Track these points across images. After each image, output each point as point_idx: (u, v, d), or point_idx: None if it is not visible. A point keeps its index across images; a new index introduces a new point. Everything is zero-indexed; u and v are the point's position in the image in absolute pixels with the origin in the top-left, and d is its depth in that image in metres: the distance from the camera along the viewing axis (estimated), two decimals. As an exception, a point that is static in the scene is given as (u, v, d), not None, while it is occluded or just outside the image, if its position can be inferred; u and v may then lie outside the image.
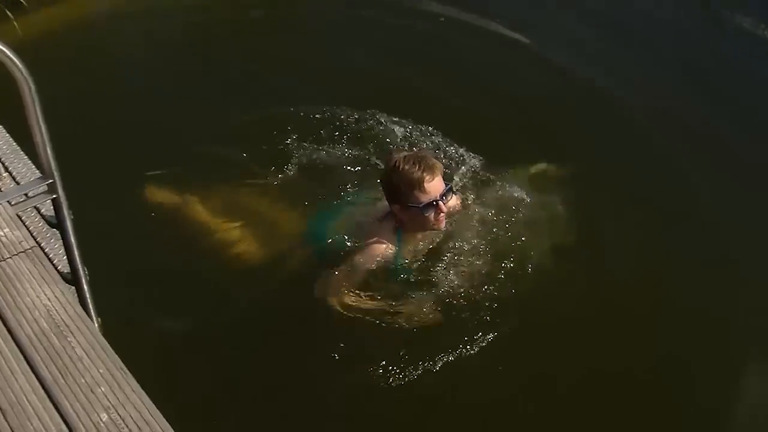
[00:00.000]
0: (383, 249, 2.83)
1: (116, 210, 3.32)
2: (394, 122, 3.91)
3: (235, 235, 3.22)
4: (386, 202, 2.90)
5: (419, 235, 2.96)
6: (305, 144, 3.76)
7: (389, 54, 4.65)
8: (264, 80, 4.39)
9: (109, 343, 2.28)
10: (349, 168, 3.58)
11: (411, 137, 3.80)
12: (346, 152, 3.70)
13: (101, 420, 1.86)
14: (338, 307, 2.82)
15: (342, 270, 2.85)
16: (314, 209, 3.26)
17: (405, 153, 2.79)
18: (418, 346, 2.82)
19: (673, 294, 3.12)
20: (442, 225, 2.82)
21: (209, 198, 3.40)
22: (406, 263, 2.96)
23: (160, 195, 3.40)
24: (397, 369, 2.74)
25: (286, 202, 3.37)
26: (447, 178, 2.96)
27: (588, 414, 2.71)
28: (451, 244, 3.05)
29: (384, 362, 2.76)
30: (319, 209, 3.26)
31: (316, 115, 3.98)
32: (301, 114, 3.99)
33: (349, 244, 2.94)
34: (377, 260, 2.84)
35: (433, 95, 4.24)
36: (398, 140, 3.80)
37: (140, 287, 3.04)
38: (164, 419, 1.84)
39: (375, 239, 2.82)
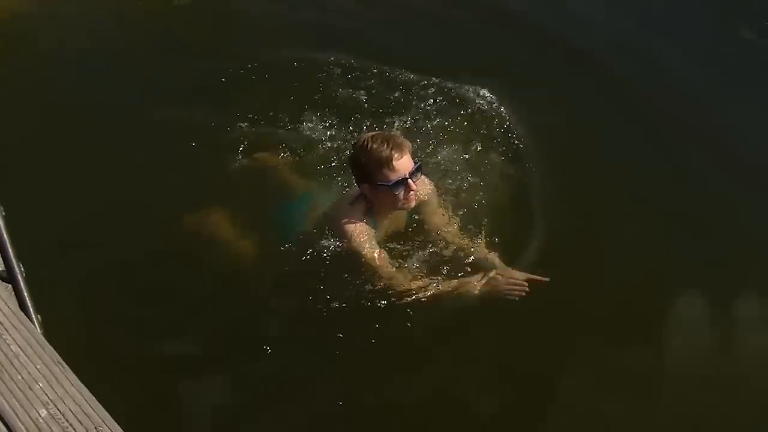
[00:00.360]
0: (361, 227, 2.80)
1: (57, 206, 3.21)
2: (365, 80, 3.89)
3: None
4: (356, 186, 2.86)
5: (390, 216, 2.92)
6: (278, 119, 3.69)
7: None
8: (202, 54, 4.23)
9: (52, 339, 2.24)
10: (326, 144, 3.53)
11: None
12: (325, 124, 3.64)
13: (40, 416, 1.82)
14: (410, 294, 2.74)
15: (363, 263, 2.78)
16: (280, 197, 3.21)
17: (373, 132, 2.77)
18: (412, 344, 2.80)
19: (674, 292, 3.11)
20: (412, 203, 2.80)
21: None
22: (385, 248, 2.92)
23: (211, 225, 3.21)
24: (392, 365, 2.73)
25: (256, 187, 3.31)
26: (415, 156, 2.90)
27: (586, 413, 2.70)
28: (425, 226, 3.02)
29: (377, 360, 2.74)
30: (287, 198, 3.21)
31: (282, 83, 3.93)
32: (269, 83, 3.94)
33: (320, 237, 2.87)
34: (362, 237, 2.78)
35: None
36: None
37: (84, 283, 2.95)
38: (105, 411, 1.80)
39: (345, 221, 2.79)
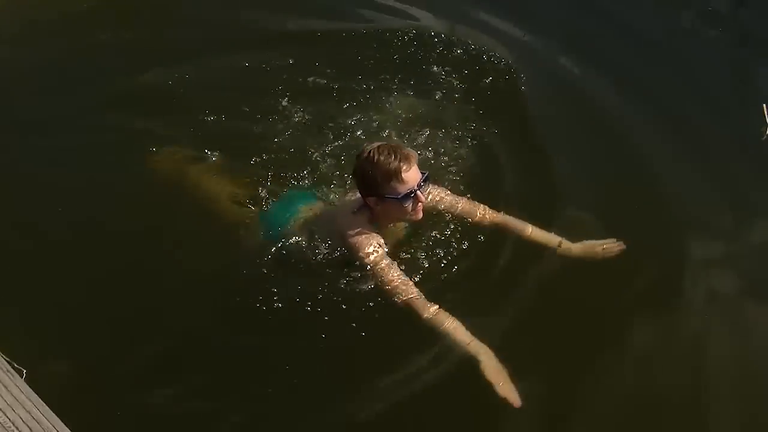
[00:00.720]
0: (373, 236, 2.66)
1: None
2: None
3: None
4: (357, 196, 2.72)
5: (392, 227, 2.81)
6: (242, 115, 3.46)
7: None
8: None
9: (2, 346, 2.21)
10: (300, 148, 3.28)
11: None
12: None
13: (-10, 426, 1.80)
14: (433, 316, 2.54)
15: (378, 276, 2.62)
16: (269, 201, 2.97)
17: (378, 143, 2.62)
18: (415, 353, 2.64)
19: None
20: (420, 215, 2.67)
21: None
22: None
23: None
24: (395, 377, 2.56)
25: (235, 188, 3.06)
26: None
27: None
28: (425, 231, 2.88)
29: (379, 372, 2.57)
30: (277, 200, 2.98)
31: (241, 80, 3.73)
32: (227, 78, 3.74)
33: (327, 244, 2.73)
34: (378, 245, 2.65)
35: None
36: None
37: (36, 291, 2.85)
38: (55, 416, 1.81)
39: (357, 230, 2.66)
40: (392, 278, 2.62)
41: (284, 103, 3.59)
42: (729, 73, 4.41)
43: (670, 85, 4.09)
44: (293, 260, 2.75)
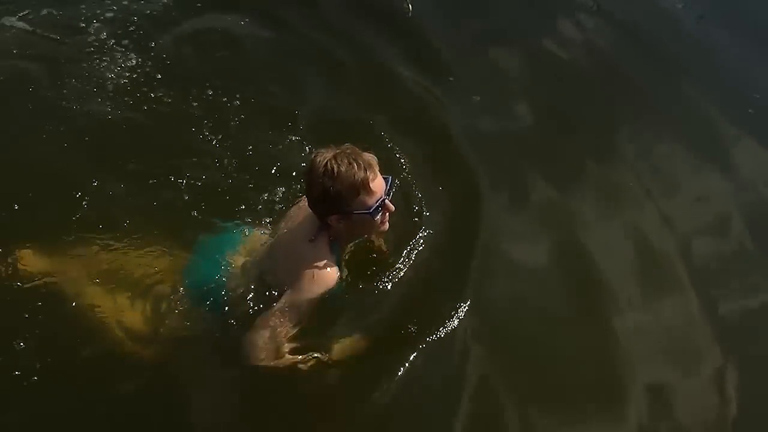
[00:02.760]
0: (335, 272, 2.40)
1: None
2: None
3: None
4: (301, 219, 2.50)
5: (351, 245, 2.61)
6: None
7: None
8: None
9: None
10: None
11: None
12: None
13: None
14: (273, 362, 2.36)
15: (282, 313, 2.36)
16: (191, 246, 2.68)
17: (331, 153, 2.30)
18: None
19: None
20: (387, 225, 2.44)
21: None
22: (343, 282, 2.55)
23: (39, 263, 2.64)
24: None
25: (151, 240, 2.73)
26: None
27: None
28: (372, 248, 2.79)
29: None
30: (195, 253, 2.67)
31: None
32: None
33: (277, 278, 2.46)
34: (329, 287, 2.40)
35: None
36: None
37: None
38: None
39: (324, 262, 2.37)
40: (284, 323, 2.36)
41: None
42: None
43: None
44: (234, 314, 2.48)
